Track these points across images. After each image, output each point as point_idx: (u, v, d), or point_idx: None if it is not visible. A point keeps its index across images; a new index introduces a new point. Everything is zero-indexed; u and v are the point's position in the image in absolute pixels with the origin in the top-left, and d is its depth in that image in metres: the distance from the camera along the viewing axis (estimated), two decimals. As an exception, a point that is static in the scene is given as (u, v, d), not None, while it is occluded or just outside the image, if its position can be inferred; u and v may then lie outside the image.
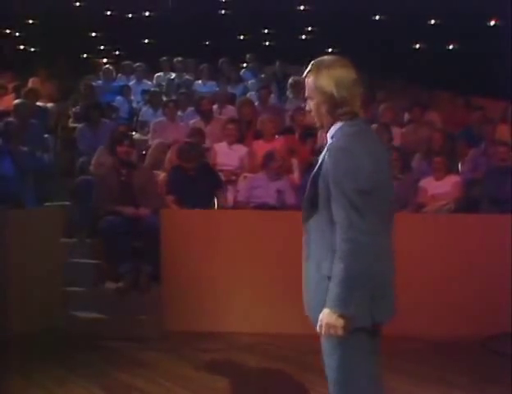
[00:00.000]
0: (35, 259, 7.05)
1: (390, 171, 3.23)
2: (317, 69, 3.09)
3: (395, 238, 6.40)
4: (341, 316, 2.95)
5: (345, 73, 3.06)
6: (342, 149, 2.99)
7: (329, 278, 2.99)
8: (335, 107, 3.07)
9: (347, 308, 2.95)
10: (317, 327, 3.03)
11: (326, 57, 3.15)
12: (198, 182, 7.61)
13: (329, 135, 3.14)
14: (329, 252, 3.02)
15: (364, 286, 2.97)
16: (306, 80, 3.15)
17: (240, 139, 9.03)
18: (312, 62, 3.14)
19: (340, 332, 2.97)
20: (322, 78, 3.06)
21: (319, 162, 3.12)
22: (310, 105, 3.17)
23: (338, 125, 3.10)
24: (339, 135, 3.07)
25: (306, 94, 3.17)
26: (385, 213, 3.09)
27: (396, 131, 9.43)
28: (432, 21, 13.83)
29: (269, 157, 8.01)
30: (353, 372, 3.12)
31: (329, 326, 2.97)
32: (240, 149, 8.78)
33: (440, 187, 7.94)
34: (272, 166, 7.92)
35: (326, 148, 3.09)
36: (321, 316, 3.00)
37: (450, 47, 15.01)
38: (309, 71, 3.13)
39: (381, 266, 3.05)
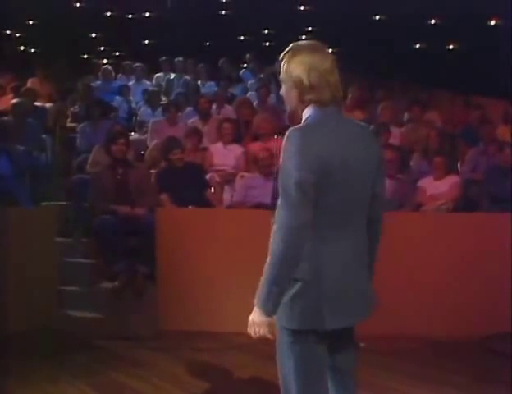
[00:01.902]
0: (31, 259, 7.03)
1: (362, 170, 2.96)
2: (292, 54, 2.99)
3: (393, 237, 6.38)
4: (262, 314, 2.87)
5: (318, 59, 2.95)
6: (291, 137, 2.85)
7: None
8: (303, 93, 2.95)
9: (265, 306, 2.86)
10: (248, 328, 2.95)
11: (302, 42, 3.06)
12: (186, 181, 7.57)
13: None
14: None
15: (296, 285, 2.87)
16: (281, 63, 3.05)
17: (237, 139, 9.00)
18: (289, 46, 3.05)
19: (264, 331, 2.89)
20: (293, 63, 2.96)
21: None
22: (282, 89, 3.08)
23: (308, 111, 2.99)
24: (300, 123, 2.97)
25: (280, 77, 3.08)
26: (342, 214, 2.93)
27: (395, 131, 9.39)
28: (432, 21, 13.79)
29: (264, 156, 7.98)
30: (304, 375, 2.99)
31: (253, 324, 2.91)
32: (236, 149, 8.75)
33: (439, 187, 7.91)
34: (269, 166, 7.88)
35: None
36: (251, 315, 2.93)
37: (450, 46, 14.97)
38: (285, 53, 3.03)
39: (332, 267, 2.90)
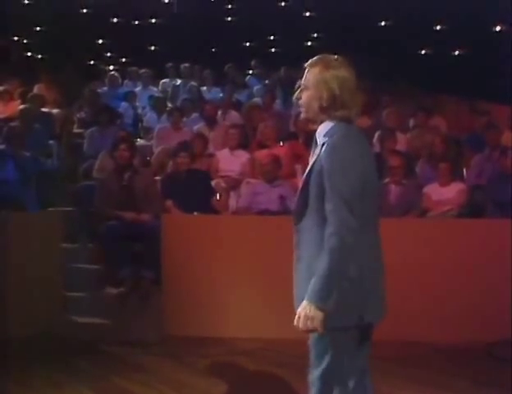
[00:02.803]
0: (36, 263, 7.05)
1: (376, 176, 3.24)
2: (325, 65, 3.07)
3: (398, 243, 6.38)
4: (320, 309, 2.95)
5: (351, 77, 3.07)
6: (339, 147, 3.00)
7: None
8: (333, 108, 3.06)
9: (325, 302, 2.94)
10: (295, 320, 3.02)
11: (335, 57, 3.13)
12: (191, 188, 7.58)
13: (320, 132, 3.12)
14: (320, 251, 3.00)
15: (349, 282, 2.97)
16: (308, 69, 3.12)
17: (244, 145, 9.01)
18: (320, 56, 3.13)
19: (317, 325, 2.96)
20: (328, 75, 3.05)
21: (312, 161, 3.11)
22: (303, 95, 3.14)
23: (330, 124, 3.09)
24: (333, 133, 3.06)
25: (303, 82, 3.14)
26: (372, 214, 3.15)
27: (401, 137, 9.38)
28: (438, 27, 13.80)
29: (271, 163, 7.98)
30: (341, 372, 3.13)
31: (307, 318, 2.97)
32: (242, 155, 8.76)
33: (444, 193, 7.90)
34: (273, 172, 7.88)
35: (319, 146, 3.08)
36: (300, 309, 3.00)
37: (456, 52, 14.96)
38: (315, 62, 3.10)
39: (369, 266, 3.07)
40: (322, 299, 2.95)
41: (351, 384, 3.16)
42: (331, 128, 3.08)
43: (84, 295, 7.35)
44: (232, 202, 8.21)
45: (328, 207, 2.98)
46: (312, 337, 3.15)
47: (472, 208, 7.69)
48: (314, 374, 3.18)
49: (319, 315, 2.95)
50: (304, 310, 2.98)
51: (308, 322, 2.97)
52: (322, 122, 3.13)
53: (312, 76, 3.09)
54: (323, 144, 3.05)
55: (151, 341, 6.74)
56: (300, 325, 2.99)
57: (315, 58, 3.13)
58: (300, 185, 3.18)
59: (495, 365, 6.05)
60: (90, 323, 7.06)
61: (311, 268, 3.06)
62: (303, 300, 3.02)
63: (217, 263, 7.06)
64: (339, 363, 3.11)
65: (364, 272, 3.04)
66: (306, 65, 3.14)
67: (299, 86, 3.18)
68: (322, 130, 3.12)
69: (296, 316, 3.02)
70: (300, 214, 3.15)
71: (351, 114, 3.09)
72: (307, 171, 3.13)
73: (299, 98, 3.18)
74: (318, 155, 3.06)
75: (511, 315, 6.49)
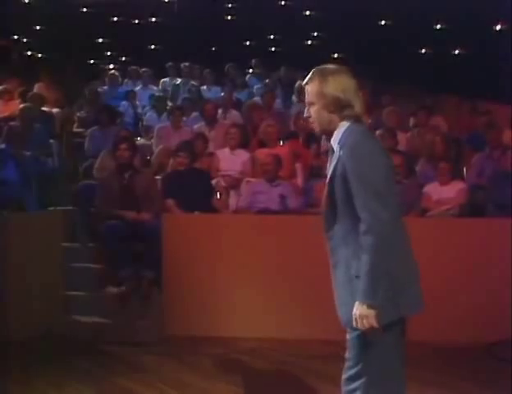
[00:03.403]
0: (37, 263, 7.05)
1: (394, 173, 3.35)
2: (322, 75, 3.19)
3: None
4: (371, 307, 3.04)
5: (349, 80, 3.19)
6: (359, 145, 3.12)
7: (357, 277, 3.10)
8: (341, 109, 3.17)
9: (375, 298, 3.05)
10: (353, 323, 3.11)
11: (328, 65, 3.26)
12: (192, 187, 7.58)
13: (334, 140, 3.23)
14: (356, 251, 3.11)
15: (389, 277, 3.07)
16: (307, 86, 3.25)
17: (245, 144, 9.01)
18: (313, 70, 3.24)
19: (372, 322, 3.06)
20: (327, 83, 3.17)
21: (332, 168, 3.21)
22: (311, 111, 3.26)
23: (342, 128, 3.19)
24: (347, 136, 3.16)
25: (307, 101, 3.26)
26: (399, 209, 3.22)
27: (401, 136, 9.38)
28: (438, 26, 13.80)
29: (273, 162, 7.98)
30: (386, 372, 3.26)
31: (362, 317, 3.07)
32: (243, 155, 8.76)
33: (444, 192, 7.89)
34: (273, 171, 7.89)
35: (337, 152, 3.19)
36: (354, 310, 3.09)
37: (456, 51, 14.96)
38: (311, 77, 3.23)
39: (404, 258, 3.19)
40: (369, 296, 3.05)
41: (388, 386, 3.28)
42: (344, 132, 3.18)
43: (84, 294, 7.35)
44: (232, 201, 8.20)
45: (358, 203, 3.07)
46: (352, 337, 3.23)
47: (472, 208, 7.69)
48: (348, 373, 3.26)
49: (371, 313, 3.05)
50: (358, 311, 3.07)
51: (364, 322, 3.06)
52: (334, 131, 3.23)
53: (312, 91, 3.22)
54: (340, 149, 3.15)
55: (151, 340, 6.74)
56: (359, 325, 3.09)
57: (310, 74, 3.24)
58: (324, 193, 3.27)
59: (495, 365, 6.06)
60: (91, 323, 7.06)
61: (349, 271, 3.17)
62: (344, 305, 3.18)
63: (217, 262, 7.06)
64: (378, 362, 3.21)
65: (402, 266, 3.15)
66: (303, 83, 3.27)
67: (305, 105, 3.28)
68: (336, 138, 3.22)
69: (353, 318, 3.10)
70: (330, 222, 3.26)
71: (358, 111, 3.18)
72: (328, 179, 3.23)
73: (309, 117, 3.28)
74: (338, 160, 3.15)
75: (511, 315, 6.49)
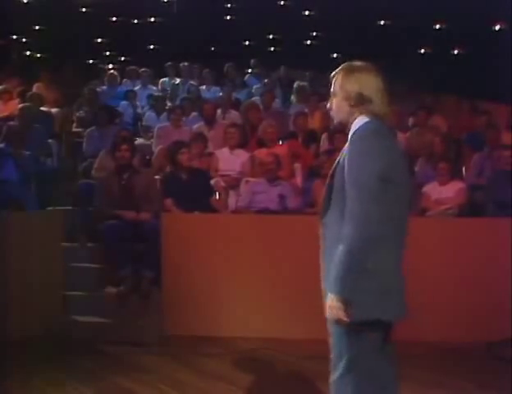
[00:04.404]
0: (36, 263, 7.04)
1: (407, 177, 3.35)
2: (348, 70, 3.29)
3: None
4: (338, 299, 3.04)
5: (373, 78, 3.27)
6: (364, 137, 3.15)
7: None
8: (361, 104, 3.23)
9: (342, 289, 3.03)
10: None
11: (357, 62, 3.36)
12: (191, 187, 7.58)
13: (352, 129, 3.25)
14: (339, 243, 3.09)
15: (371, 275, 3.06)
16: (334, 79, 3.34)
17: (243, 144, 9.01)
18: (343, 64, 3.36)
19: (339, 314, 3.05)
20: (350, 78, 3.26)
21: (340, 158, 3.23)
22: (332, 102, 3.35)
23: (362, 120, 3.22)
24: (362, 128, 3.20)
25: (331, 91, 3.36)
26: (397, 217, 3.19)
27: (400, 136, 9.38)
28: (437, 26, 13.80)
29: (270, 162, 7.98)
30: (360, 374, 3.20)
31: (331, 308, 3.08)
32: (242, 154, 8.76)
33: (444, 192, 7.90)
34: (273, 171, 7.89)
35: (348, 141, 3.22)
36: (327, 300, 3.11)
37: (456, 51, 14.96)
38: (338, 70, 3.33)
39: (388, 263, 3.18)
40: (336, 287, 3.05)
41: (369, 389, 3.22)
42: (362, 125, 3.21)
43: (83, 294, 7.33)
44: (232, 201, 8.21)
45: (349, 194, 3.06)
46: (333, 337, 3.24)
47: (471, 208, 7.69)
48: (334, 375, 3.26)
49: (339, 305, 3.04)
50: (328, 302, 3.09)
51: (333, 312, 3.08)
52: (351, 123, 3.27)
53: (337, 83, 3.32)
54: (351, 137, 3.19)
55: (151, 340, 6.73)
56: (328, 316, 3.11)
57: (339, 67, 3.34)
58: (327, 181, 3.27)
59: (495, 365, 6.05)
60: (90, 323, 7.05)
61: (332, 261, 3.13)
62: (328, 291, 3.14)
63: (216, 261, 7.05)
64: (358, 363, 3.18)
65: (389, 269, 3.18)
66: (331, 75, 3.36)
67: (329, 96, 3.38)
68: (353, 128, 3.25)
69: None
70: (325, 209, 3.26)
71: (380, 109, 3.22)
72: (334, 166, 3.26)
73: (330, 109, 3.38)
74: (345, 151, 3.18)
75: (511, 314, 6.49)
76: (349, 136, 3.24)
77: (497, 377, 5.67)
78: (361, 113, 3.23)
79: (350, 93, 3.24)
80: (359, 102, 3.23)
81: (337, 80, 3.31)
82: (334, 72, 3.36)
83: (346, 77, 3.27)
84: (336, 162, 3.25)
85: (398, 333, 6.57)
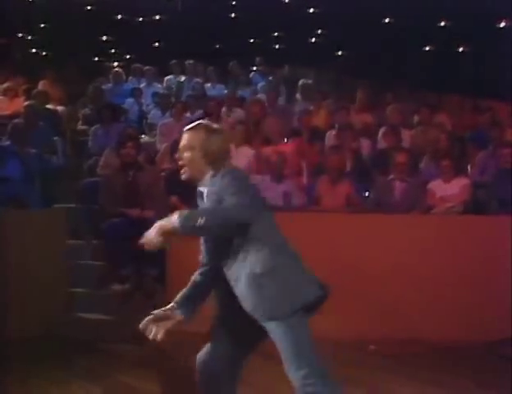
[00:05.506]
0: (41, 260, 7.06)
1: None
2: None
3: (401, 240, 6.34)
4: (178, 228, 3.30)
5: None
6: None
7: (262, 275, 3.39)
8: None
9: (184, 222, 3.31)
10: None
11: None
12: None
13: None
14: (257, 255, 3.42)
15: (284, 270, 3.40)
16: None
17: (248, 141, 9.00)
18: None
19: (155, 234, 3.32)
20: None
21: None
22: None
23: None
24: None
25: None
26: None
27: (405, 133, 9.39)
28: (442, 23, 13.78)
29: (280, 160, 7.99)
30: (303, 344, 3.38)
31: (160, 226, 3.35)
32: (247, 151, 8.76)
33: (448, 189, 7.89)
34: (279, 168, 7.90)
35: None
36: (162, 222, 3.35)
37: (460, 49, 14.94)
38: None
39: (289, 262, 3.48)
40: (183, 219, 3.31)
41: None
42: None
43: (88, 291, 7.36)
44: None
45: (229, 200, 3.35)
46: (274, 335, 3.41)
47: (475, 205, 7.69)
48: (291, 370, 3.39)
49: (166, 227, 3.32)
50: (164, 221, 3.35)
51: (156, 229, 3.34)
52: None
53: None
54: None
55: (155, 338, 6.71)
56: (149, 233, 3.35)
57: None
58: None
59: (495, 363, 6.04)
60: (94, 320, 7.08)
61: (253, 273, 3.44)
62: (264, 302, 3.40)
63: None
64: (302, 346, 3.36)
65: (286, 267, 3.43)
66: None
67: None
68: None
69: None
70: (226, 253, 3.61)
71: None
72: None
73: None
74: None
75: (512, 313, 6.49)
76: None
77: (498, 376, 5.66)
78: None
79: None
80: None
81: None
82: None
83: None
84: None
85: (401, 331, 6.60)
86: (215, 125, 3.72)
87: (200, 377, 3.84)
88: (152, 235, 3.34)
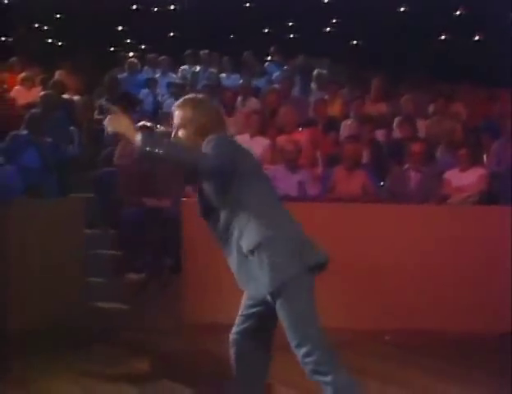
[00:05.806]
0: (57, 250, 7.08)
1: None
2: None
3: (417, 230, 6.29)
4: (138, 140, 3.34)
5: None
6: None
7: (250, 252, 3.47)
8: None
9: (146, 142, 3.34)
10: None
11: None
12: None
13: None
14: (240, 231, 3.51)
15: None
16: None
17: (263, 131, 9.01)
18: None
19: (117, 126, 3.40)
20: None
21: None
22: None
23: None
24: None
25: None
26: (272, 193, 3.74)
27: (420, 123, 9.38)
28: (458, 12, 13.73)
29: (295, 149, 7.99)
30: (300, 317, 3.45)
31: (118, 119, 3.45)
32: (262, 141, 8.77)
33: (464, 179, 7.87)
34: (294, 158, 7.91)
35: None
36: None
37: (476, 38, 14.87)
38: None
39: (293, 231, 3.57)
40: (147, 140, 3.34)
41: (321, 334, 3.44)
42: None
43: (104, 281, 7.40)
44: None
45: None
46: (277, 309, 3.47)
47: (491, 196, 7.67)
48: (294, 343, 3.46)
49: (132, 134, 3.38)
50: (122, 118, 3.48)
51: (113, 120, 3.44)
52: None
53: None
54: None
55: (171, 327, 6.76)
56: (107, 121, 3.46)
57: None
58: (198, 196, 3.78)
59: (507, 355, 6.02)
60: (111, 309, 7.12)
61: (241, 252, 3.57)
62: (251, 281, 3.61)
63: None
64: (299, 320, 3.42)
65: (273, 241, 3.46)
66: None
67: None
68: None
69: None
70: (212, 218, 3.80)
71: None
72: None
73: None
74: None
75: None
76: None
77: (509, 368, 5.56)
78: None
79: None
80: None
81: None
82: None
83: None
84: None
85: (412, 322, 6.58)
86: (199, 97, 3.80)
87: (233, 354, 3.85)
88: (113, 123, 3.44)
